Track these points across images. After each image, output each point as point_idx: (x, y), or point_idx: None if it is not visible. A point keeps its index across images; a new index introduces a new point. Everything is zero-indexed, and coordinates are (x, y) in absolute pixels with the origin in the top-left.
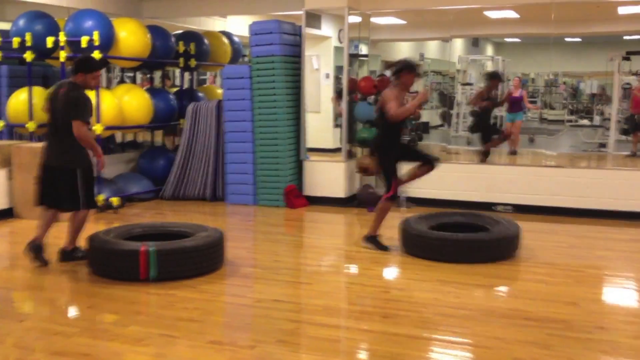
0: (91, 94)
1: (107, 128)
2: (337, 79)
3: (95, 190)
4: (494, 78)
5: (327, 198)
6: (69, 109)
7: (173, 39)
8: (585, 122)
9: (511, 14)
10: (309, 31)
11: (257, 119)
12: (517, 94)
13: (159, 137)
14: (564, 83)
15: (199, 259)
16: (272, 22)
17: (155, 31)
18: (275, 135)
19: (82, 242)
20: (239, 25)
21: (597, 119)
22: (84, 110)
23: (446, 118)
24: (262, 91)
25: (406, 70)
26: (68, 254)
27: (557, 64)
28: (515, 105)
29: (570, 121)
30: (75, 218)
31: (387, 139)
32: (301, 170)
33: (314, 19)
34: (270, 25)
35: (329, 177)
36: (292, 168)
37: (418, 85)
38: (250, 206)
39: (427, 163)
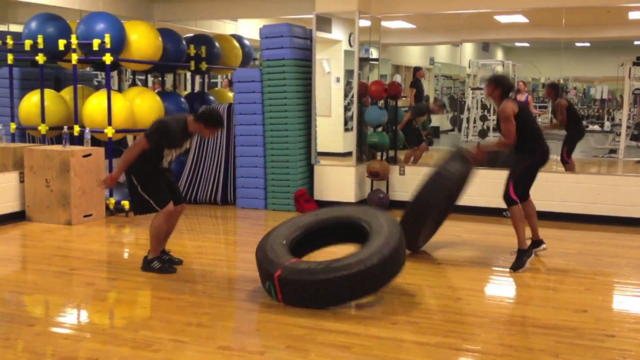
0: (102, 97)
1: (118, 131)
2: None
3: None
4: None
5: (338, 202)
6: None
7: (184, 42)
8: (596, 127)
9: (521, 19)
10: (320, 35)
11: (268, 122)
12: (522, 98)
13: None
14: (574, 88)
15: None
16: (283, 25)
17: (167, 34)
18: (286, 139)
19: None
20: (249, 29)
21: (607, 125)
22: (157, 135)
23: (456, 123)
24: (272, 95)
25: None
26: (144, 261)
27: (568, 69)
28: None
29: None
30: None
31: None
32: (312, 174)
33: (324, 22)
34: (281, 29)
35: (339, 181)
36: (302, 172)
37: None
38: (261, 210)
39: None
